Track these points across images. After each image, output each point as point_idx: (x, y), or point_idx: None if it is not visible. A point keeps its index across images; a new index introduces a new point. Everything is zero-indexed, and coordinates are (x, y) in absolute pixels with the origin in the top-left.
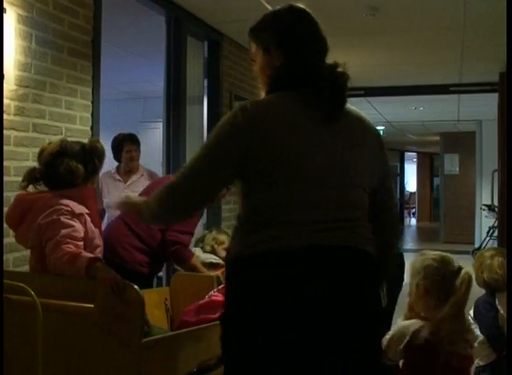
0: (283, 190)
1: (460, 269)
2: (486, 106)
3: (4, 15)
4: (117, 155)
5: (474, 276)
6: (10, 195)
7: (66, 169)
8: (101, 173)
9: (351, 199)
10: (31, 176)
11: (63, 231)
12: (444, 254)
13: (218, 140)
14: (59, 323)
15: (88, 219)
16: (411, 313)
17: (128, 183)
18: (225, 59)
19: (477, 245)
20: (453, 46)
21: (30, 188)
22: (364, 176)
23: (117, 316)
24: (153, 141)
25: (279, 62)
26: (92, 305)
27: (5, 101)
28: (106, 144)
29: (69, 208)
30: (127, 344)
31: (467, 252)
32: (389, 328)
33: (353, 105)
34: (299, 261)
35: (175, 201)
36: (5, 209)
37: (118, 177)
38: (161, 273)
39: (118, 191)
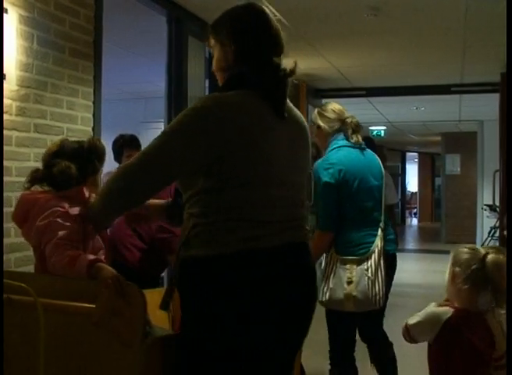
0: (256, 189)
1: (485, 255)
2: (487, 106)
3: (5, 15)
4: (117, 158)
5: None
6: (11, 195)
7: (59, 169)
8: (102, 174)
9: (301, 198)
10: (33, 177)
11: (60, 233)
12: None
13: (193, 127)
14: (60, 323)
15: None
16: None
17: None
18: None
19: (478, 245)
20: (454, 46)
21: (38, 188)
22: (304, 175)
23: (119, 316)
24: None
25: (232, 57)
26: (94, 306)
27: (7, 101)
28: (107, 145)
29: (65, 210)
30: (129, 345)
31: None
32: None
33: (355, 105)
34: (279, 260)
35: (142, 177)
36: (6, 209)
37: None
38: (162, 273)
39: None
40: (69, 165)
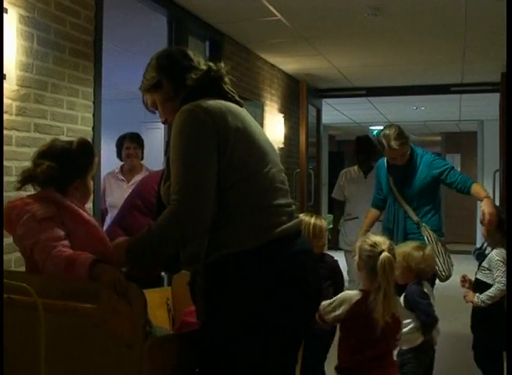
0: (263, 176)
1: (382, 251)
2: (488, 106)
3: (5, 15)
4: (119, 153)
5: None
6: (12, 195)
7: (41, 170)
8: (105, 173)
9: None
10: (23, 177)
11: (43, 236)
12: (380, 237)
13: (195, 139)
14: (61, 323)
15: (68, 217)
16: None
17: (131, 182)
18: (226, 60)
19: (478, 245)
20: (454, 46)
21: (30, 188)
22: None
23: (119, 316)
24: (154, 141)
25: (171, 89)
26: (94, 306)
27: (7, 101)
28: (108, 145)
29: (41, 212)
30: (129, 345)
31: (468, 252)
32: None
33: (355, 105)
34: (302, 242)
35: (195, 206)
36: None
37: (121, 177)
38: (162, 273)
39: (120, 190)
40: (51, 165)
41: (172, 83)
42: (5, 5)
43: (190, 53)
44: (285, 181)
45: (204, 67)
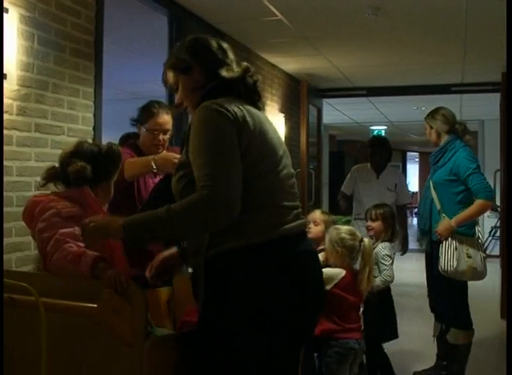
0: (273, 176)
1: (362, 239)
2: (488, 106)
3: (6, 15)
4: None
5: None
6: (12, 195)
7: (74, 168)
8: None
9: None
10: (48, 175)
11: (61, 231)
12: (352, 228)
13: (220, 131)
14: (62, 322)
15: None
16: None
17: None
18: None
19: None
20: (455, 46)
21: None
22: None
23: (120, 315)
24: None
25: (200, 77)
26: (95, 305)
27: (8, 101)
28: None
29: (66, 210)
30: (130, 344)
31: None
32: None
33: (356, 104)
34: (306, 243)
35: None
36: (8, 209)
37: None
38: None
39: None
40: (85, 165)
41: (203, 73)
42: (6, 4)
43: (226, 47)
44: (294, 185)
45: (235, 65)
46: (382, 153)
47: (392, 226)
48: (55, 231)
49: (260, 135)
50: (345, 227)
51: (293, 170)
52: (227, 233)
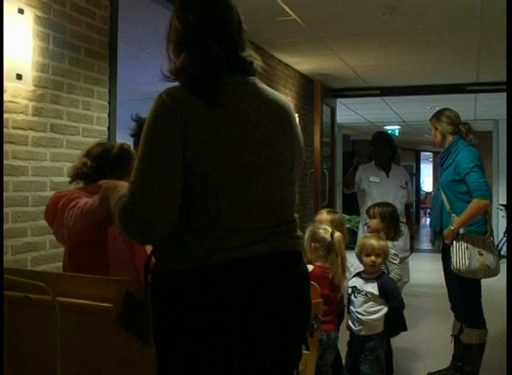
0: (222, 192)
1: (333, 233)
2: (503, 106)
3: (21, 16)
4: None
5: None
6: (28, 195)
7: (91, 167)
8: None
9: (286, 199)
10: (75, 173)
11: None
12: (326, 227)
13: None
14: (78, 322)
15: None
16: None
17: None
18: None
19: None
20: (469, 45)
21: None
22: (290, 167)
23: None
24: None
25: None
26: (111, 305)
27: (24, 101)
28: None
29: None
30: (146, 342)
31: None
32: None
33: (369, 104)
34: (259, 271)
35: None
36: (24, 209)
37: None
38: None
39: None
40: (85, 161)
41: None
42: (22, 5)
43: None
44: (274, 201)
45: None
46: (387, 149)
47: (394, 226)
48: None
49: (218, 137)
50: (319, 224)
51: (290, 180)
52: (164, 252)
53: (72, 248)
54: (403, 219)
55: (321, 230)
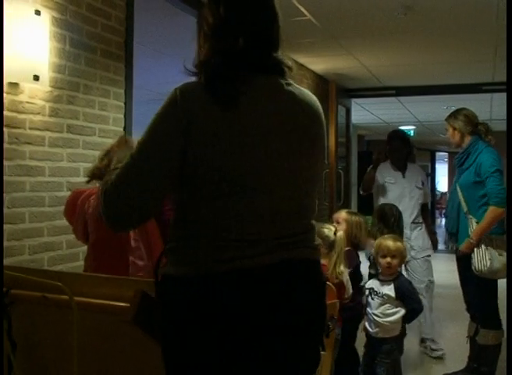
0: (232, 199)
1: (336, 232)
2: None
3: (38, 17)
4: None
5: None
6: (45, 195)
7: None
8: None
9: (306, 205)
10: (92, 174)
11: None
12: (330, 226)
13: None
14: (95, 321)
15: None
16: None
17: None
18: None
19: None
20: (485, 44)
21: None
22: (310, 172)
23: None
24: None
25: None
26: (128, 304)
27: (41, 102)
28: None
29: None
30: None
31: None
32: None
33: (385, 104)
34: (268, 281)
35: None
36: (41, 209)
37: None
38: None
39: None
40: (101, 158)
41: None
42: (38, 7)
43: None
44: (290, 210)
45: None
46: (403, 148)
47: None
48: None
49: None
50: (324, 224)
51: (309, 189)
52: (171, 255)
53: (94, 245)
54: (419, 219)
55: (325, 229)
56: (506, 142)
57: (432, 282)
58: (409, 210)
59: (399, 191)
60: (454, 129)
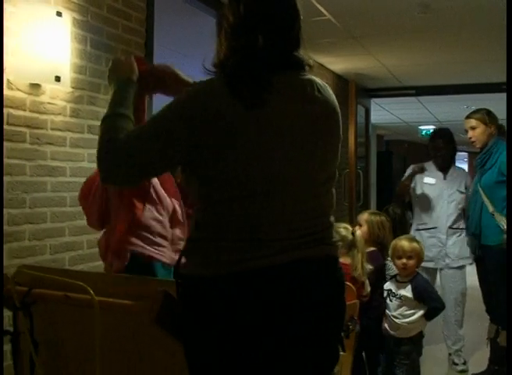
0: (252, 200)
1: (353, 233)
2: None
3: (59, 19)
4: None
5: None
6: (66, 195)
7: None
8: None
9: (324, 205)
10: None
11: None
12: (346, 225)
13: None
14: (116, 320)
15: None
16: None
17: None
18: None
19: None
20: (505, 43)
21: None
22: (329, 171)
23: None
24: None
25: None
26: (149, 304)
27: (62, 103)
28: None
29: None
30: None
31: None
32: None
33: (404, 104)
34: (285, 279)
35: None
36: (62, 209)
37: None
38: None
39: None
40: None
41: None
42: (60, 9)
43: None
44: (304, 213)
45: None
46: (448, 147)
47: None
48: None
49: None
50: (340, 224)
51: (328, 187)
52: (190, 256)
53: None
54: (459, 225)
55: (341, 229)
56: None
57: (463, 295)
58: (446, 214)
59: (436, 194)
60: (474, 129)
